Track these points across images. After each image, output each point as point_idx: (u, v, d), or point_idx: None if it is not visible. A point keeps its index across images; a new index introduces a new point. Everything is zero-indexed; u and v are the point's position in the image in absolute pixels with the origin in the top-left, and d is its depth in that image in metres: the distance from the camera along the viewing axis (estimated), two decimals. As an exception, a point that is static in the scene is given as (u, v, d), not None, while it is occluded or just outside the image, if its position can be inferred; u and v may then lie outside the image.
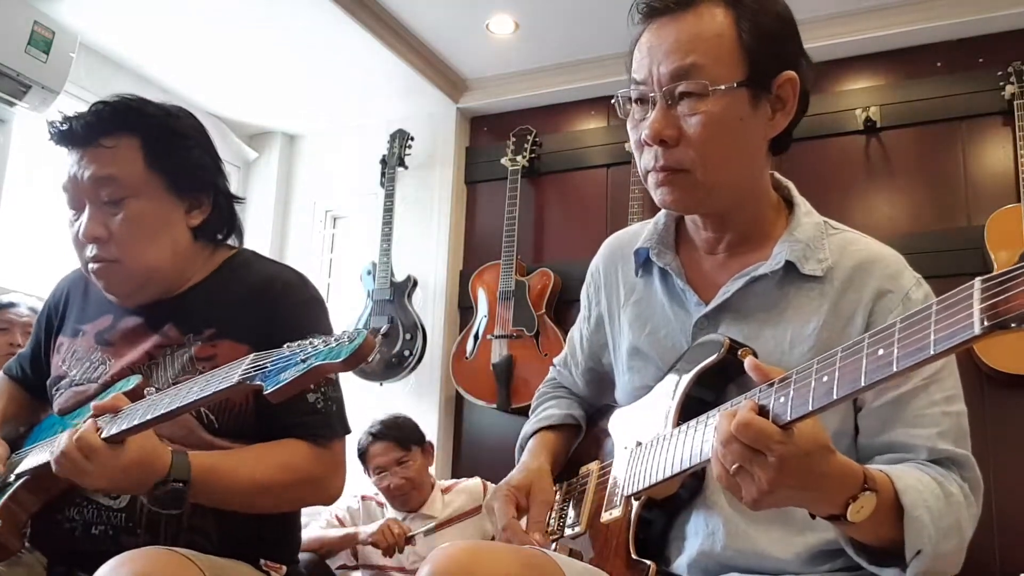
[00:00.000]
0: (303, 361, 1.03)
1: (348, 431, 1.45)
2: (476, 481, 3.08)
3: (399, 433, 2.94)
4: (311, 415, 1.38)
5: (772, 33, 1.13)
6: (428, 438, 3.06)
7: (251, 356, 1.11)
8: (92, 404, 1.26)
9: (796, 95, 1.15)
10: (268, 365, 1.07)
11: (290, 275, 1.48)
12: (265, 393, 1.05)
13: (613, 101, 1.19)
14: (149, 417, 1.17)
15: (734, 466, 0.90)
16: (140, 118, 1.41)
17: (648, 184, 1.18)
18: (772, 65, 1.13)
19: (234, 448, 1.36)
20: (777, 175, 1.27)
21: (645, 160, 1.16)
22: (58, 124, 1.40)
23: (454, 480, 3.13)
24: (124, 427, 1.18)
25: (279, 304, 1.40)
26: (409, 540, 2.78)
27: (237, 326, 1.38)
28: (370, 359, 1.05)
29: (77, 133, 1.38)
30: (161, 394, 1.20)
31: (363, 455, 2.95)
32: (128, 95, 1.44)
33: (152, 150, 1.39)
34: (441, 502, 2.97)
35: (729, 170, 1.14)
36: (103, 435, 1.19)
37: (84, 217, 1.39)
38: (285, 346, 1.09)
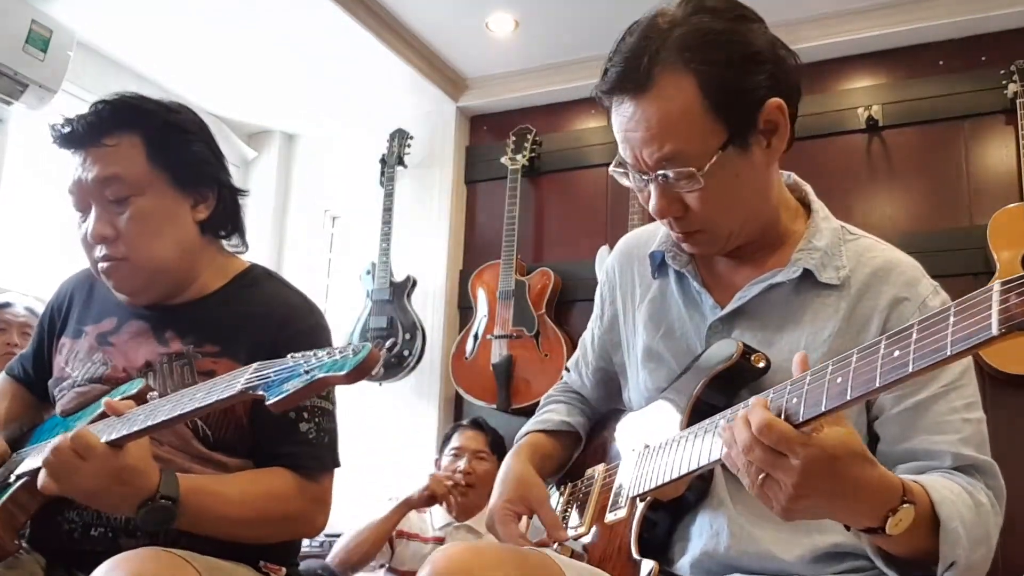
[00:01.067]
0: (306, 372, 1.03)
1: (338, 465, 1.43)
2: None
3: (492, 436, 3.10)
4: (302, 445, 1.37)
5: (738, 79, 1.08)
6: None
7: (255, 365, 1.10)
8: (104, 400, 1.26)
9: (786, 115, 1.12)
10: (271, 375, 1.06)
11: (297, 300, 1.47)
12: (267, 403, 1.04)
13: (611, 171, 1.19)
14: (151, 423, 1.16)
15: (760, 476, 0.88)
16: (140, 115, 1.41)
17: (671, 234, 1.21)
18: (749, 108, 1.09)
19: (228, 461, 1.36)
20: (796, 177, 1.27)
21: (662, 222, 1.19)
22: (60, 127, 1.40)
23: None
24: (125, 432, 1.17)
25: (283, 330, 1.40)
26: (469, 482, 2.90)
27: (238, 347, 1.38)
28: (374, 372, 1.04)
29: (78, 134, 1.38)
30: (163, 400, 1.20)
31: (449, 436, 3.12)
32: (128, 93, 1.44)
33: (154, 146, 1.39)
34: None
35: (742, 217, 1.16)
36: (105, 438, 1.18)
37: (91, 218, 1.39)
38: (289, 356, 1.08)
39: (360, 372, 1.00)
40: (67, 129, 1.39)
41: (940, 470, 1.06)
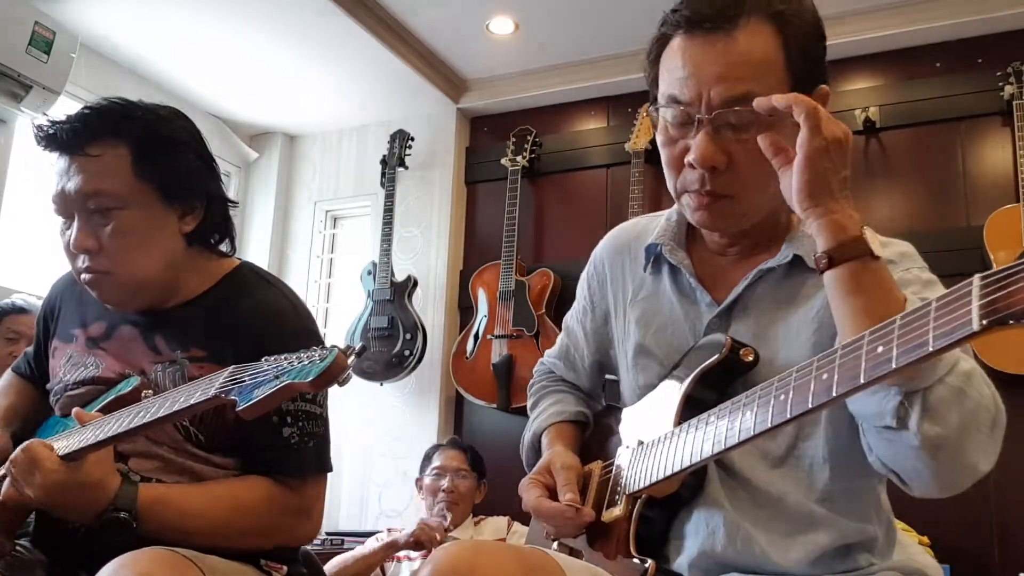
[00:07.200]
0: (276, 378, 0.99)
1: (327, 470, 1.38)
2: (503, 519, 3.18)
3: (472, 455, 3.23)
4: (283, 451, 1.32)
5: (814, 53, 1.12)
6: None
7: (231, 368, 1.07)
8: (74, 411, 1.25)
9: (826, 108, 1.13)
10: (246, 378, 1.03)
11: (284, 304, 1.42)
12: (238, 410, 1.01)
13: (651, 111, 1.15)
14: (112, 434, 1.14)
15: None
16: (128, 124, 1.34)
17: (682, 202, 1.16)
18: (810, 84, 1.11)
19: (225, 462, 1.35)
20: None
21: (686, 180, 1.13)
22: (45, 127, 1.33)
23: (483, 516, 3.21)
24: (77, 446, 1.16)
25: (267, 334, 1.35)
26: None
27: (225, 352, 1.34)
28: (341, 380, 0.98)
29: (62, 139, 1.32)
30: (137, 405, 1.17)
31: (430, 456, 3.22)
32: (116, 99, 1.38)
33: (141, 159, 1.33)
34: (472, 531, 3.11)
35: (769, 193, 1.11)
36: (61, 452, 1.17)
37: (74, 227, 1.34)
38: (263, 360, 1.06)
39: (324, 379, 0.96)
40: (52, 132, 1.33)
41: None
